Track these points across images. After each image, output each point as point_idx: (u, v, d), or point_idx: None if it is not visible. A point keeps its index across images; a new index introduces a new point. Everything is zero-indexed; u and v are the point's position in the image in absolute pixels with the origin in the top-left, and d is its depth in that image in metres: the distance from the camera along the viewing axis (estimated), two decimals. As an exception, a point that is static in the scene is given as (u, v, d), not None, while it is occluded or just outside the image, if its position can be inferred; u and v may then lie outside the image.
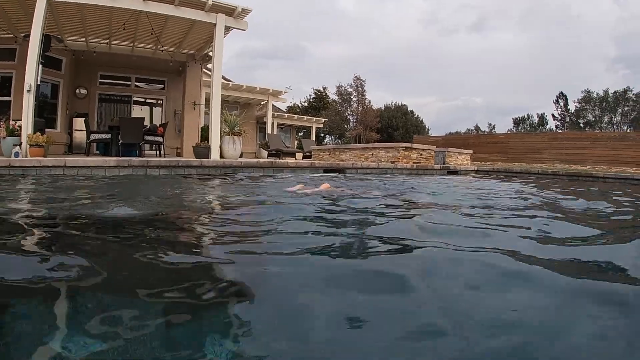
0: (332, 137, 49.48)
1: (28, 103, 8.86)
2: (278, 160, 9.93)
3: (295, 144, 29.32)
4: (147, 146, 12.69)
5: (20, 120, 9.07)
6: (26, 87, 8.84)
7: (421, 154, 13.70)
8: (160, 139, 12.85)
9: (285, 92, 22.79)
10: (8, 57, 12.81)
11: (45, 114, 12.74)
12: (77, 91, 15.51)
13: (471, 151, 17.63)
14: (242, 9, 11.17)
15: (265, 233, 2.58)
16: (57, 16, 11.11)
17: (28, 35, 9.37)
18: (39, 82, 9.28)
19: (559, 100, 52.53)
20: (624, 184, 11.77)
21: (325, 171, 9.89)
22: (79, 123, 14.42)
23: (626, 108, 45.34)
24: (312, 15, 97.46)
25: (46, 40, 9.58)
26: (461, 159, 16.46)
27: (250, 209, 3.87)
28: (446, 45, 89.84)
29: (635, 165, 19.69)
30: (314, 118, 30.64)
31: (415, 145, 13.59)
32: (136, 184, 6.48)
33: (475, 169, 15.31)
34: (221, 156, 11.25)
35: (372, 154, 13.64)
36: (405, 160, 12.88)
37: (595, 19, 72.42)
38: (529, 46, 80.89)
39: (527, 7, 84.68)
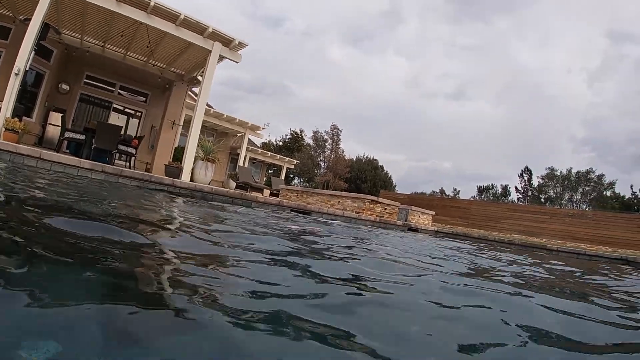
0: (301, 180, 50.13)
1: (13, 86, 8.79)
2: (247, 194, 10.08)
3: (264, 180, 29.53)
4: (118, 155, 12.68)
5: (0, 101, 9.02)
6: (15, 70, 8.77)
7: (385, 209, 14.05)
8: (133, 151, 12.84)
9: (263, 128, 23.21)
10: (1, 35, 12.65)
11: (23, 101, 12.61)
12: (60, 86, 15.40)
13: (433, 212, 18.12)
14: (239, 41, 11.51)
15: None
16: (60, 7, 11.23)
17: (27, 19, 9.41)
18: (27, 68, 9.28)
19: (524, 174, 54.57)
20: (578, 259, 12.31)
21: (292, 211, 10.08)
22: (55, 118, 14.27)
23: (587, 188, 47.77)
24: (300, 57, 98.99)
25: (44, 28, 9.64)
26: (423, 218, 16.91)
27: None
28: (423, 108, 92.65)
29: (589, 243, 20.51)
30: (287, 158, 31.05)
31: (381, 200, 13.93)
32: (113, 190, 6.56)
33: (436, 229, 15.70)
34: (191, 179, 11.33)
35: (339, 202, 13.91)
36: (369, 212, 13.18)
37: (567, 101, 76.01)
38: (502, 119, 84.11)
39: (505, 82, 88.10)
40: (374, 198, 13.73)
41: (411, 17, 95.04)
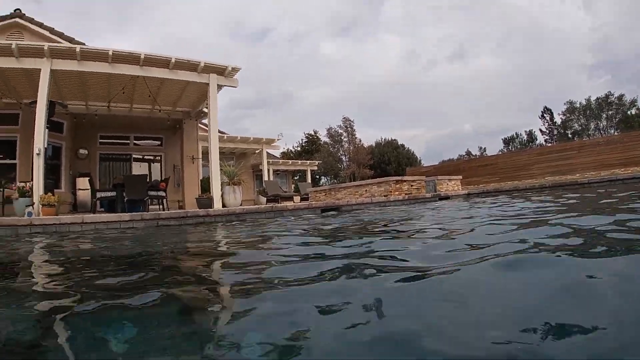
0: (328, 178, 50.49)
1: (38, 165, 9.45)
2: (277, 205, 10.54)
3: (292, 187, 29.99)
4: (150, 201, 13.28)
5: (28, 181, 9.69)
6: (36, 151, 9.44)
7: (412, 185, 14.37)
8: (163, 194, 13.41)
9: (277, 140, 23.74)
10: (11, 122, 13.39)
11: (50, 176, 13.35)
12: (79, 152, 16.16)
13: (460, 177, 18.32)
14: (232, 67, 11.99)
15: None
16: (59, 82, 11.91)
17: (33, 102, 10.14)
18: (45, 146, 9.91)
19: (545, 115, 53.90)
20: (611, 185, 12.31)
21: (322, 210, 10.47)
22: (82, 182, 14.99)
23: (610, 112, 46.69)
24: (295, 62, 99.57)
25: (51, 106, 10.32)
26: (451, 184, 17.14)
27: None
28: (428, 78, 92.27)
29: (623, 167, 20.37)
30: (308, 161, 31.51)
31: (405, 178, 14.27)
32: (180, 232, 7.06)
33: (467, 192, 15.93)
34: (223, 205, 11.84)
35: (366, 190, 14.30)
36: (397, 192, 13.52)
37: (568, 32, 74.77)
38: (509, 68, 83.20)
39: (502, 30, 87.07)
40: (399, 178, 14.07)
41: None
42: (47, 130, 10.11)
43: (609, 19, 73.10)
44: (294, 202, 17.15)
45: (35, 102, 9.89)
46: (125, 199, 12.11)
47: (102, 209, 14.13)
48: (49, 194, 9.50)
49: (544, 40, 77.37)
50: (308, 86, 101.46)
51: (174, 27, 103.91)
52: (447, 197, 14.33)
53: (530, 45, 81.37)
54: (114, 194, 12.70)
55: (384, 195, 13.29)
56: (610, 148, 22.26)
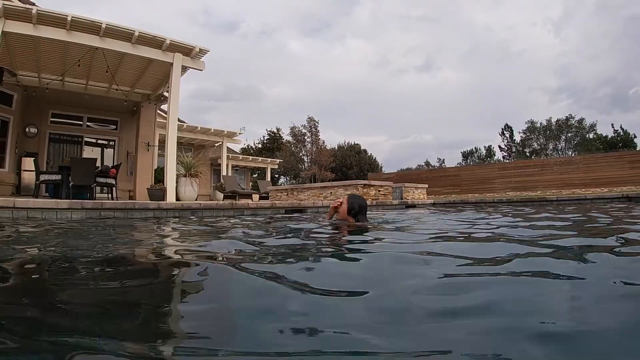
0: (287, 178, 49.95)
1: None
2: (238, 202, 9.74)
3: (250, 185, 29.14)
4: (98, 188, 12.28)
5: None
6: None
7: (379, 190, 13.81)
8: (113, 181, 12.41)
9: (239, 134, 22.79)
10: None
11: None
12: (27, 130, 14.92)
13: (426, 185, 17.97)
14: (199, 49, 11.10)
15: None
16: (11, 48, 10.74)
17: None
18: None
19: (505, 132, 54.80)
20: (579, 204, 12.21)
21: (287, 211, 9.76)
22: (28, 163, 13.83)
23: (569, 134, 47.87)
24: (262, 58, 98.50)
25: None
26: (417, 193, 16.72)
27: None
28: (394, 86, 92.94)
29: (584, 187, 20.77)
30: (269, 159, 30.61)
31: (373, 182, 13.69)
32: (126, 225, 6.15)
33: (432, 202, 15.53)
34: (177, 199, 10.97)
35: (331, 193, 13.62)
36: (364, 197, 12.92)
37: (536, 54, 76.66)
38: (473, 83, 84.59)
39: (473, 46, 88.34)
40: (366, 182, 13.49)
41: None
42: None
43: (575, 46, 75.37)
44: (253, 201, 16.35)
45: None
46: (71, 184, 11.04)
47: (47, 194, 13.04)
48: (-16, 171, 8.46)
49: (510, 59, 79.08)
50: (274, 83, 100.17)
51: (140, 10, 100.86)
52: (413, 205, 13.85)
53: (496, 63, 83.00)
54: (59, 177, 11.59)
55: (351, 199, 12.65)
56: (572, 168, 22.70)
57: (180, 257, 2.80)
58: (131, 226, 6.09)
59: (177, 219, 7.51)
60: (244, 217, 7.85)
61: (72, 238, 4.40)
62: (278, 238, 3.95)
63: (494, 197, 18.25)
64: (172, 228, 5.75)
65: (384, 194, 13.94)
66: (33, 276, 2.26)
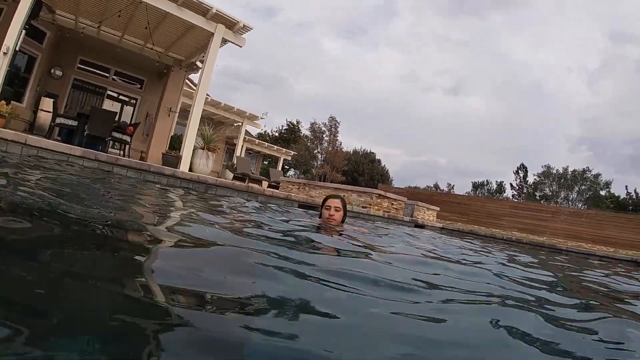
0: (297, 172, 49.55)
1: (1, 66, 8.14)
2: (254, 187, 9.44)
3: (259, 171, 28.90)
4: (112, 143, 12.03)
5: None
6: (3, 49, 8.09)
7: (392, 204, 13.49)
8: (128, 139, 12.15)
9: (261, 118, 22.54)
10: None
11: (13, 86, 11.89)
12: (53, 71, 14.61)
13: (438, 208, 17.66)
14: (243, 24, 10.81)
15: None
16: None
17: None
18: (17, 49, 8.57)
19: (519, 171, 54.37)
20: (588, 258, 12.00)
21: (300, 206, 9.48)
22: (47, 103, 13.51)
23: (583, 187, 47.46)
24: (294, 48, 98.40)
25: (36, 5, 8.93)
26: (428, 214, 16.39)
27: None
28: (419, 102, 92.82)
29: (591, 242, 20.39)
30: (284, 149, 30.33)
31: (388, 195, 13.36)
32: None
33: (441, 226, 15.20)
34: (190, 169, 10.70)
35: (344, 196, 13.31)
36: (376, 207, 12.60)
37: (566, 100, 76.11)
38: (499, 115, 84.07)
39: (504, 79, 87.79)
40: (382, 192, 13.15)
41: (405, 11, 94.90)
42: (24, 32, 8.74)
43: (607, 100, 74.55)
44: (262, 187, 16.09)
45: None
46: (86, 132, 10.77)
47: (59, 138, 12.78)
48: (3, 102, 8.19)
49: (540, 99, 78.54)
50: (301, 77, 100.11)
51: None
52: (422, 226, 13.54)
53: (525, 101, 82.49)
54: (75, 123, 11.31)
55: (363, 207, 12.34)
56: (582, 221, 22.44)
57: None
58: (141, 190, 5.83)
59: (189, 192, 7.26)
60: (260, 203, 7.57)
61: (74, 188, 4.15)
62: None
63: (502, 233, 17.91)
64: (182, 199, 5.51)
65: (396, 208, 13.62)
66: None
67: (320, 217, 4.90)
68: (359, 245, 3.40)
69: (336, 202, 4.67)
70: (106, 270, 1.54)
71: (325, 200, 4.83)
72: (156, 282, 1.46)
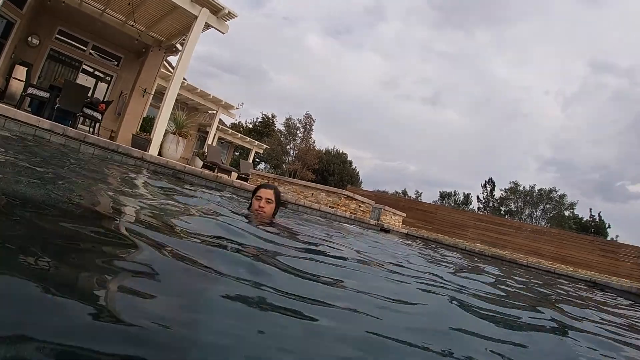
0: (267, 166, 49.28)
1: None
2: (222, 177, 9.33)
3: (230, 161, 28.64)
4: (82, 119, 11.76)
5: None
6: (-23, 10, 7.87)
7: (360, 206, 13.57)
8: (99, 116, 11.86)
9: (237, 108, 22.26)
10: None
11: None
12: (30, 39, 14.17)
13: (404, 214, 17.83)
14: (228, 11, 10.67)
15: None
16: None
17: None
18: (-5, 11, 8.29)
19: (487, 185, 55.15)
20: (548, 275, 12.23)
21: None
22: (20, 72, 13.09)
23: (548, 206, 48.50)
24: (278, 42, 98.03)
25: None
26: (395, 219, 16.54)
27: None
28: (396, 109, 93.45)
29: (551, 260, 21.02)
30: (256, 142, 30.05)
31: (356, 197, 13.42)
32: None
33: (406, 232, 15.32)
34: (159, 154, 10.53)
35: (312, 194, 13.33)
36: (344, 208, 12.66)
37: (540, 121, 77.75)
38: (473, 129, 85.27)
39: (483, 94, 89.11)
40: (350, 194, 13.21)
41: (393, 18, 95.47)
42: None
43: (580, 125, 76.46)
44: (231, 178, 15.95)
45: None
46: (57, 106, 10.49)
47: (30, 109, 12.43)
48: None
49: (515, 118, 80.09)
50: (282, 71, 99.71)
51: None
52: (388, 230, 13.62)
53: (500, 118, 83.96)
54: (47, 95, 10.99)
55: (330, 207, 12.37)
56: (544, 239, 22.96)
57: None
58: (104, 169, 5.71)
59: (155, 175, 7.15)
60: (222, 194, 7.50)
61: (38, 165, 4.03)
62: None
63: (465, 244, 18.18)
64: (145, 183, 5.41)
65: (363, 211, 13.70)
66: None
67: (249, 207, 4.36)
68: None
69: (268, 193, 4.18)
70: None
71: (256, 189, 4.29)
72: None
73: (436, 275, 3.49)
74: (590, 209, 47.04)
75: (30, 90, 10.81)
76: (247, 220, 3.82)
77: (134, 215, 2.67)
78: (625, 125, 71.23)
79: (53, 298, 1.00)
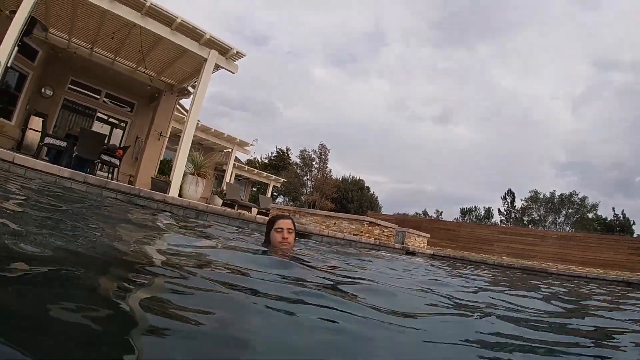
0: (285, 199, 49.39)
1: (-9, 81, 8.03)
2: (246, 213, 9.30)
3: (248, 197, 28.76)
4: (100, 166, 11.89)
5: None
6: (-5, 64, 7.99)
7: (383, 231, 13.42)
8: (117, 162, 11.99)
9: (252, 145, 22.52)
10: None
11: (2, 104, 11.79)
12: (43, 90, 14.48)
13: (429, 235, 17.60)
14: (236, 51, 10.78)
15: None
16: (49, 3, 10.47)
17: (13, 12, 8.57)
18: (9, 65, 8.42)
19: (507, 196, 54.61)
20: (579, 280, 11.98)
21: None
22: (36, 122, 13.35)
23: (570, 210, 47.73)
24: (285, 77, 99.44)
25: (31, 22, 8.80)
26: (419, 241, 16.33)
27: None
28: (407, 131, 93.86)
29: (580, 265, 20.56)
30: (273, 176, 30.24)
31: (379, 222, 13.30)
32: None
33: (432, 252, 15.11)
34: (179, 195, 10.55)
35: (334, 223, 13.22)
36: (367, 234, 12.52)
37: (552, 127, 77.03)
38: (486, 141, 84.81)
39: (492, 107, 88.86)
40: (372, 220, 13.08)
41: (395, 41, 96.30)
42: (17, 48, 8.59)
43: (590, 126, 75.63)
44: (251, 213, 15.91)
45: (16, 10, 8.38)
46: (75, 154, 10.61)
47: (47, 158, 12.60)
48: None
49: (527, 127, 79.50)
50: (291, 104, 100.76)
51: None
52: (413, 253, 13.44)
53: (512, 129, 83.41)
54: (64, 144, 11.12)
55: (354, 234, 12.25)
56: (571, 245, 22.62)
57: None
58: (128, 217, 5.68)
59: (179, 218, 7.12)
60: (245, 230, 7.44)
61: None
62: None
63: (492, 259, 17.89)
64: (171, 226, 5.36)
65: (387, 236, 13.55)
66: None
67: (265, 242, 4.14)
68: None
69: (288, 223, 4.00)
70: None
71: (273, 220, 4.08)
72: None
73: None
74: (613, 208, 46.46)
75: (47, 139, 10.95)
76: (275, 256, 3.66)
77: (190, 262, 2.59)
78: (635, 119, 70.17)
79: None
